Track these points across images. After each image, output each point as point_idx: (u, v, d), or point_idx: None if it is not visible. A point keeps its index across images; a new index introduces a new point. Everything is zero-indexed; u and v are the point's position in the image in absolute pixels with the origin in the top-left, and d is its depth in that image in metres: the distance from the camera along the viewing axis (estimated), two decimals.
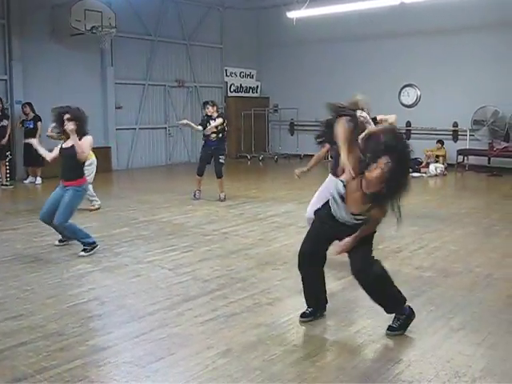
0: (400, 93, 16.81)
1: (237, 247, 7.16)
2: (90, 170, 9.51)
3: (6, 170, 12.93)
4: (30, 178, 13.18)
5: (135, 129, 16.49)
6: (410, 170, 4.29)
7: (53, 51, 14.30)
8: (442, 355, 4.04)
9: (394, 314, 4.52)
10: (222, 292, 5.40)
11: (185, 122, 11.25)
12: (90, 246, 6.86)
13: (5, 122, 12.28)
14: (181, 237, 7.74)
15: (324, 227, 4.57)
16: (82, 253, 6.80)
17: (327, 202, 4.57)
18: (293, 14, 14.55)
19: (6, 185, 12.65)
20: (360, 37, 16.88)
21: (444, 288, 5.58)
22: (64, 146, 6.99)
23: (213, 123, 10.57)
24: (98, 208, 9.77)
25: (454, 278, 5.91)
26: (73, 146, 6.80)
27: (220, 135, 10.75)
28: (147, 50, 16.58)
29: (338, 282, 5.75)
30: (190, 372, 3.79)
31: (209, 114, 10.77)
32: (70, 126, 6.72)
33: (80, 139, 6.80)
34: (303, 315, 4.72)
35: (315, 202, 6.08)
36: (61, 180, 6.95)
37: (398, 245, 7.28)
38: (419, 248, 7.14)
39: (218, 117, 10.72)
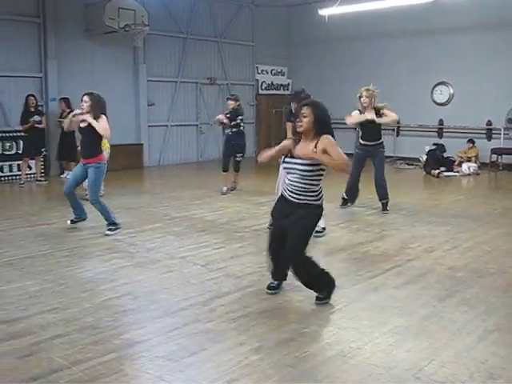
0: (433, 91, 16.62)
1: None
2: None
3: (41, 166, 13.14)
4: (66, 173, 13.37)
5: (167, 126, 16.60)
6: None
7: (86, 49, 14.47)
8: (476, 356, 4.00)
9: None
10: (254, 289, 5.42)
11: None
12: (114, 225, 7.62)
13: (37, 118, 12.42)
14: (213, 233, 7.79)
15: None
16: (108, 232, 7.58)
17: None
18: (325, 12, 14.51)
19: (41, 180, 12.85)
20: (393, 34, 16.74)
21: (477, 288, 5.52)
22: (81, 125, 7.69)
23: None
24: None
25: (488, 279, 5.85)
26: (89, 124, 7.52)
27: (235, 129, 11.01)
28: (179, 47, 16.68)
29: (370, 281, 5.74)
30: (223, 367, 3.82)
31: (231, 107, 11.09)
32: (84, 104, 7.58)
33: (97, 121, 7.51)
34: (271, 288, 5.28)
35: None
36: (81, 158, 7.73)
37: (430, 244, 7.23)
38: (452, 248, 7.08)
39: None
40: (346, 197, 9.52)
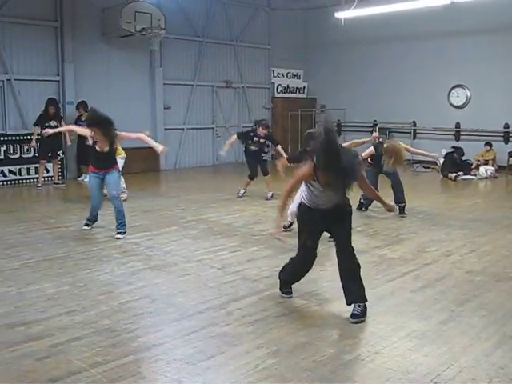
0: (449, 93, 16.53)
1: (285, 248, 7.14)
2: (121, 163, 10.17)
3: (58, 169, 13.24)
4: (83, 176, 13.46)
5: (183, 129, 16.66)
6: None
7: (103, 52, 14.57)
8: (495, 362, 3.97)
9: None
10: (271, 292, 5.42)
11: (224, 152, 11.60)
12: (125, 228, 7.81)
13: (53, 123, 12.51)
14: (229, 236, 7.80)
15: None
16: (118, 235, 7.69)
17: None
18: (341, 15, 14.49)
19: (58, 183, 12.95)
20: (409, 37, 16.68)
21: (496, 293, 5.48)
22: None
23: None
24: (125, 200, 10.14)
25: (507, 283, 5.80)
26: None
27: (264, 149, 11.15)
28: (195, 50, 16.73)
29: (387, 284, 5.71)
30: (240, 371, 3.83)
31: (258, 132, 10.96)
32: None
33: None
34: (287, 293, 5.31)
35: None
36: (101, 170, 7.86)
37: (448, 248, 7.19)
38: (470, 252, 7.03)
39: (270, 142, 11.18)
40: (362, 201, 9.49)
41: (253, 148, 10.99)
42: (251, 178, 11.12)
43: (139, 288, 5.59)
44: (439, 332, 4.50)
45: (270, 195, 10.85)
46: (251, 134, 11.11)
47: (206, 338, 4.35)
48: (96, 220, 8.27)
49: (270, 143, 11.20)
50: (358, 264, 4.90)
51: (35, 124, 12.53)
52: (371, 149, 9.31)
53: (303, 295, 5.35)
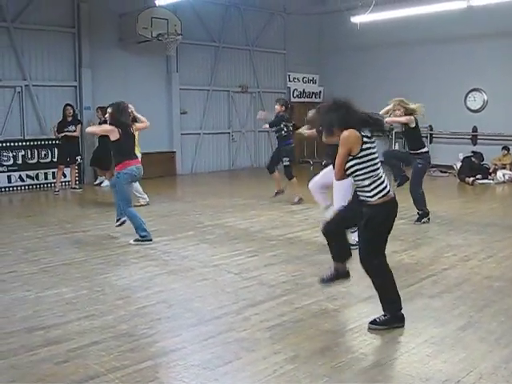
0: (466, 97, 16.43)
1: (302, 253, 7.16)
2: None
3: (76, 173, 13.34)
4: (99, 180, 13.55)
5: (199, 134, 16.71)
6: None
7: (120, 58, 14.67)
8: None
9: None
10: (288, 297, 5.41)
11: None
12: (141, 237, 7.63)
13: (71, 128, 12.65)
14: (246, 241, 7.80)
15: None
16: (131, 241, 7.64)
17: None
18: (357, 19, 14.46)
19: (76, 188, 13.04)
20: (425, 41, 16.60)
21: None
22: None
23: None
24: (145, 204, 10.44)
25: None
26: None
27: (278, 134, 11.02)
28: (211, 56, 16.80)
29: (405, 290, 5.66)
30: (258, 377, 3.82)
31: (276, 111, 11.04)
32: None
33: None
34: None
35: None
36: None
37: (465, 253, 7.13)
38: (488, 257, 6.97)
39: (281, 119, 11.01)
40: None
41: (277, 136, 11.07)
42: (269, 172, 11.16)
43: (156, 293, 5.60)
44: (458, 338, 4.46)
45: (296, 199, 10.84)
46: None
47: (224, 344, 4.35)
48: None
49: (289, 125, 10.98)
50: (373, 279, 4.72)
51: (57, 131, 12.66)
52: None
53: (320, 300, 5.33)
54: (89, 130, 9.02)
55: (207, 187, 13.85)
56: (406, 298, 5.42)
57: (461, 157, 15.09)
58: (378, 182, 4.49)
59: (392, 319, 4.66)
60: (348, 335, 4.57)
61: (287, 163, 10.97)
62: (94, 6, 13.90)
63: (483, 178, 14.09)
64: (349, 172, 4.51)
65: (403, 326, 4.66)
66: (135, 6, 14.04)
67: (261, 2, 17.40)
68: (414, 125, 8.97)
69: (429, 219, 9.04)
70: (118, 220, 8.00)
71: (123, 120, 7.77)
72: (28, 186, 13.06)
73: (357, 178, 4.51)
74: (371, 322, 4.66)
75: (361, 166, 4.44)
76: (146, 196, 10.68)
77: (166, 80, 15.85)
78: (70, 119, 12.70)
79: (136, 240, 7.66)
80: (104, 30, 14.23)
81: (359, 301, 5.34)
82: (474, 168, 14.34)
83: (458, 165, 14.83)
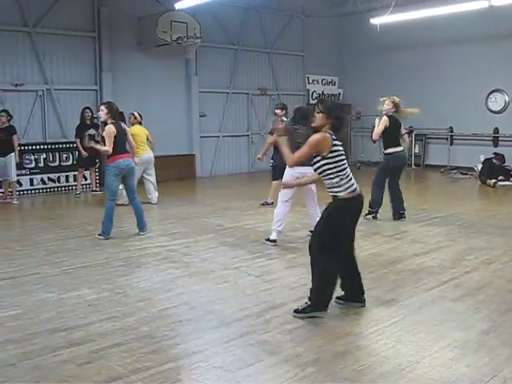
0: (487, 98, 16.30)
1: None
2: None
3: (96, 176, 13.44)
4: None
5: (219, 136, 16.76)
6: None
7: (140, 61, 14.77)
8: None
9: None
10: None
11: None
12: (103, 233, 8.15)
13: (92, 131, 12.76)
14: (266, 244, 7.79)
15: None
16: (97, 235, 8.18)
17: None
18: (376, 20, 14.41)
19: (96, 191, 13.14)
20: (446, 41, 16.49)
21: None
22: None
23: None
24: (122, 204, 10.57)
25: None
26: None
27: None
28: (230, 58, 16.85)
29: (427, 293, 5.64)
30: (280, 379, 3.82)
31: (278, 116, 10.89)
32: (100, 113, 8.34)
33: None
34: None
35: None
36: None
37: (487, 256, 7.06)
38: (510, 260, 6.89)
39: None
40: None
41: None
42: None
43: (178, 295, 5.63)
44: (481, 342, 4.42)
45: (263, 201, 10.95)
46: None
47: (245, 346, 4.36)
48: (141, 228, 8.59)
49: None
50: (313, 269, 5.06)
51: (76, 136, 12.75)
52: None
53: (341, 303, 5.31)
54: (105, 149, 8.27)
55: (227, 190, 13.87)
56: (428, 301, 5.40)
57: (482, 158, 14.96)
58: (346, 179, 4.86)
59: (312, 307, 4.94)
60: (369, 338, 4.54)
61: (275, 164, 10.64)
62: (113, 10, 14.02)
63: (505, 180, 13.95)
64: (319, 171, 4.89)
65: (325, 312, 4.95)
66: (155, 9, 14.10)
67: (279, 5, 17.40)
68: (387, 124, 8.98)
69: (375, 217, 9.27)
70: (139, 231, 8.48)
71: (116, 116, 8.28)
72: (49, 188, 13.18)
73: (326, 177, 4.88)
74: (294, 311, 4.99)
75: (330, 166, 4.82)
76: (154, 196, 11.08)
77: (186, 83, 15.91)
78: (88, 122, 12.80)
79: (98, 234, 8.20)
80: (124, 34, 14.34)
81: (380, 304, 5.31)
82: (495, 170, 14.19)
83: (479, 166, 14.69)
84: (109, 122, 8.19)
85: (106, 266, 6.76)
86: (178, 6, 13.20)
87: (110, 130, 8.07)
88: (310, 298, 4.99)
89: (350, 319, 4.95)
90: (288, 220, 9.43)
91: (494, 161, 14.42)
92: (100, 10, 13.89)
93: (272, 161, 10.73)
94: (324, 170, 4.85)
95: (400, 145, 9.20)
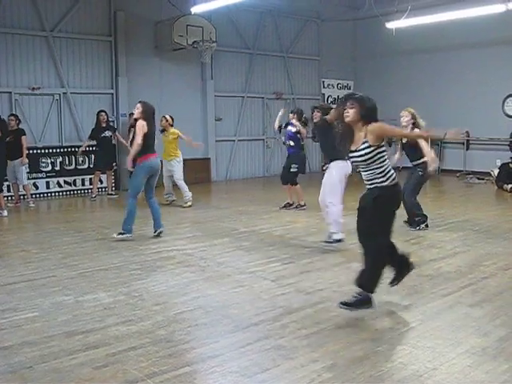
0: (504, 103, 16.17)
1: (338, 260, 7.12)
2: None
3: (112, 179, 13.50)
4: None
5: (234, 140, 16.78)
6: None
7: (156, 66, 14.84)
8: None
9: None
10: (325, 305, 5.37)
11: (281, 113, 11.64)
12: (124, 231, 8.21)
13: (107, 133, 12.85)
14: (281, 248, 7.79)
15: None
16: (114, 235, 8.26)
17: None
18: (392, 25, 14.37)
19: (112, 194, 13.20)
20: (462, 46, 16.41)
21: None
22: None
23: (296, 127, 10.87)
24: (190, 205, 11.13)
25: None
26: (134, 132, 8.45)
27: (293, 143, 10.95)
28: (246, 63, 16.88)
29: (444, 298, 5.59)
30: None
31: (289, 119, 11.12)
32: (135, 111, 8.47)
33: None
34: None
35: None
36: None
37: (505, 261, 7.00)
38: None
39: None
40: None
41: (287, 144, 11.13)
42: (282, 183, 11.23)
43: (193, 299, 5.62)
44: (500, 348, 4.36)
45: (283, 204, 11.13)
46: (287, 121, 11.27)
47: (262, 351, 4.34)
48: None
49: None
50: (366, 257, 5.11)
51: (90, 137, 12.84)
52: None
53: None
54: (135, 148, 8.30)
55: (242, 194, 13.88)
56: (445, 307, 5.36)
57: (498, 163, 14.85)
58: (388, 168, 5.07)
59: (362, 300, 5.01)
60: (386, 344, 4.50)
61: (295, 169, 10.88)
62: (130, 15, 14.10)
63: None
64: (370, 160, 5.00)
65: (372, 307, 5.03)
66: (171, 13, 14.19)
67: (295, 9, 17.43)
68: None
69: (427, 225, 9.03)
70: (155, 231, 8.50)
71: (150, 116, 8.38)
72: (66, 191, 13.28)
73: (374, 165, 5.01)
74: (341, 303, 5.04)
75: (380, 155, 5.00)
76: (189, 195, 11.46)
77: (201, 87, 15.96)
78: (104, 125, 12.88)
79: (119, 233, 8.25)
80: (140, 38, 14.42)
81: (398, 309, 5.28)
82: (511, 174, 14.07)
83: (496, 171, 14.58)
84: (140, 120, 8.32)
85: (122, 269, 6.78)
86: (193, 10, 13.29)
87: (142, 124, 8.21)
88: (361, 288, 5.07)
89: (366, 325, 4.92)
90: (303, 224, 9.47)
91: (510, 165, 14.30)
92: (116, 14, 13.97)
93: (296, 165, 10.87)
94: (375, 159, 4.99)
95: None
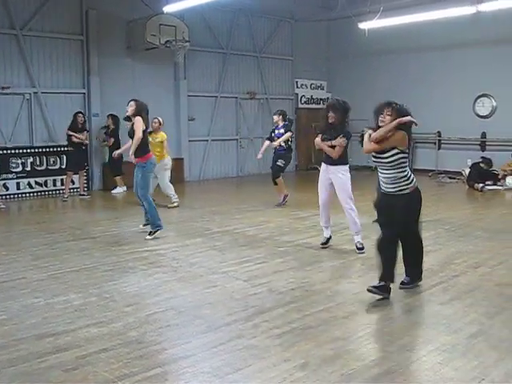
0: (475, 103, 16.37)
1: (311, 259, 7.13)
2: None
3: (84, 180, 13.37)
4: (118, 189, 13.56)
5: (207, 140, 16.73)
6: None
7: (128, 65, 14.72)
8: None
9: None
10: (298, 304, 5.38)
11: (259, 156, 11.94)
12: (154, 228, 8.34)
13: (82, 136, 12.72)
14: (254, 248, 7.78)
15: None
16: (148, 237, 8.32)
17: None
18: (365, 25, 14.46)
19: (84, 195, 13.06)
20: (434, 47, 16.57)
21: None
22: (129, 130, 8.53)
23: (280, 138, 11.20)
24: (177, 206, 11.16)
25: None
26: (131, 130, 8.41)
27: (283, 143, 11.24)
28: (219, 62, 16.84)
29: (415, 297, 5.65)
30: None
31: (274, 122, 11.44)
32: (129, 109, 8.53)
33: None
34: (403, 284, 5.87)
35: None
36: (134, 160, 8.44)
37: (475, 260, 7.08)
38: (498, 264, 6.91)
39: (285, 131, 11.25)
40: None
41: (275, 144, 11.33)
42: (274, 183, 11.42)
43: (165, 300, 5.59)
44: (469, 345, 4.42)
45: (281, 200, 11.36)
46: (273, 128, 11.56)
47: (233, 351, 4.33)
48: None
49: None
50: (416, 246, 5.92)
51: (69, 128, 12.70)
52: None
53: (330, 307, 5.31)
54: (136, 141, 8.27)
55: (215, 194, 13.85)
56: (417, 305, 5.42)
57: (469, 163, 15.03)
58: (410, 173, 5.63)
59: (380, 287, 5.45)
60: (358, 342, 4.53)
61: (281, 164, 11.27)
62: (102, 14, 13.95)
63: (492, 184, 14.02)
64: (395, 163, 5.49)
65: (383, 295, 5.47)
66: (143, 12, 14.09)
67: (268, 9, 17.43)
68: None
69: None
70: (144, 225, 8.84)
71: (143, 114, 8.53)
72: (37, 192, 13.10)
73: (399, 169, 5.51)
74: (402, 283, 5.79)
75: (404, 160, 5.55)
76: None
77: (174, 87, 15.88)
78: (80, 126, 12.75)
79: (150, 233, 8.38)
80: (112, 37, 14.29)
81: (369, 308, 5.31)
82: (482, 174, 14.26)
83: (467, 171, 14.75)
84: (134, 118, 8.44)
85: (94, 270, 6.71)
86: (166, 9, 13.20)
87: (139, 119, 8.35)
88: (417, 274, 5.91)
89: (338, 323, 4.93)
90: (276, 224, 9.48)
91: (481, 165, 14.49)
92: (88, 12, 13.82)
93: (283, 161, 11.29)
94: (400, 163, 5.50)
95: None
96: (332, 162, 7.45)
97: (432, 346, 4.42)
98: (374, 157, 5.66)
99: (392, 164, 5.50)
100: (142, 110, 8.51)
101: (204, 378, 3.90)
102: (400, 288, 5.75)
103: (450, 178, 15.77)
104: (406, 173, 5.55)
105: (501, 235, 8.53)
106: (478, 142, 16.22)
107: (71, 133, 12.62)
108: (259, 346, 4.40)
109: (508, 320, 4.98)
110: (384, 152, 5.52)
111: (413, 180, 5.60)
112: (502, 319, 5.00)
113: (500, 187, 14.02)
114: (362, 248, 7.41)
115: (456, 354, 4.27)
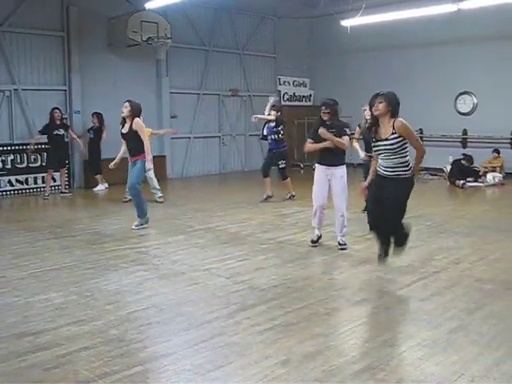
0: (456, 100, 16.49)
1: (293, 256, 7.14)
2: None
3: (65, 178, 13.27)
4: (99, 186, 13.48)
5: (189, 138, 16.68)
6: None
7: (110, 62, 14.62)
8: (506, 371, 3.92)
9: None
10: (279, 301, 5.39)
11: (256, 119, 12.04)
12: (142, 218, 8.79)
13: (61, 131, 12.64)
14: (236, 245, 7.77)
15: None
16: (134, 227, 8.75)
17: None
18: (347, 23, 14.50)
19: (65, 192, 12.96)
20: (415, 44, 16.67)
21: (506, 301, 5.42)
22: (123, 131, 8.82)
23: (263, 116, 11.64)
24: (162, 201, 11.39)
25: None
26: (129, 130, 8.64)
27: (275, 136, 11.37)
28: (201, 59, 16.78)
29: (396, 293, 5.68)
30: (250, 381, 3.79)
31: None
32: (124, 110, 8.71)
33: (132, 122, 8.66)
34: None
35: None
36: (130, 158, 9.01)
37: (456, 256, 7.13)
38: (479, 259, 6.97)
39: (277, 124, 11.43)
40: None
41: (267, 138, 11.53)
42: (263, 176, 11.56)
43: (147, 297, 5.56)
44: (450, 341, 4.45)
45: (287, 196, 11.61)
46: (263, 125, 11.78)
47: (215, 348, 4.32)
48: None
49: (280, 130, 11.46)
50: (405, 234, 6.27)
51: (41, 132, 12.59)
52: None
53: (312, 304, 5.31)
54: (147, 147, 8.76)
55: (198, 191, 13.82)
56: (397, 301, 5.45)
57: (451, 160, 15.14)
58: (410, 160, 5.86)
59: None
60: (339, 339, 4.54)
61: (283, 165, 11.51)
62: (83, 10, 13.83)
63: (473, 181, 14.13)
64: (397, 149, 5.73)
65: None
66: (125, 9, 13.99)
67: (251, 6, 17.41)
68: None
69: None
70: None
71: (138, 115, 8.79)
72: (17, 190, 12.97)
73: (401, 154, 5.76)
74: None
75: (406, 146, 5.79)
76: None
77: (156, 84, 15.81)
78: (58, 122, 12.65)
79: (137, 225, 8.79)
80: (93, 34, 14.17)
81: (351, 304, 5.33)
82: (463, 171, 14.37)
83: (448, 168, 14.86)
84: (129, 119, 8.67)
85: (74, 268, 6.66)
86: (148, 5, 13.11)
87: (141, 122, 8.69)
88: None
89: (320, 320, 4.94)
90: (258, 221, 9.48)
91: (462, 162, 14.60)
92: (69, 8, 13.69)
93: (284, 161, 11.54)
94: (402, 148, 5.74)
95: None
96: (332, 162, 7.37)
97: (413, 341, 4.44)
98: (375, 145, 5.87)
99: (395, 150, 5.73)
100: (136, 111, 8.75)
101: (185, 375, 3.89)
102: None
103: (431, 174, 15.88)
104: (407, 158, 5.82)
105: (481, 231, 8.60)
106: (460, 139, 16.35)
107: (36, 139, 12.63)
108: (241, 343, 4.40)
109: (488, 315, 5.02)
110: (387, 139, 5.74)
111: (410, 168, 5.85)
112: (482, 315, 5.04)
113: (481, 184, 14.15)
114: (345, 244, 7.43)
115: (436, 349, 4.29)
